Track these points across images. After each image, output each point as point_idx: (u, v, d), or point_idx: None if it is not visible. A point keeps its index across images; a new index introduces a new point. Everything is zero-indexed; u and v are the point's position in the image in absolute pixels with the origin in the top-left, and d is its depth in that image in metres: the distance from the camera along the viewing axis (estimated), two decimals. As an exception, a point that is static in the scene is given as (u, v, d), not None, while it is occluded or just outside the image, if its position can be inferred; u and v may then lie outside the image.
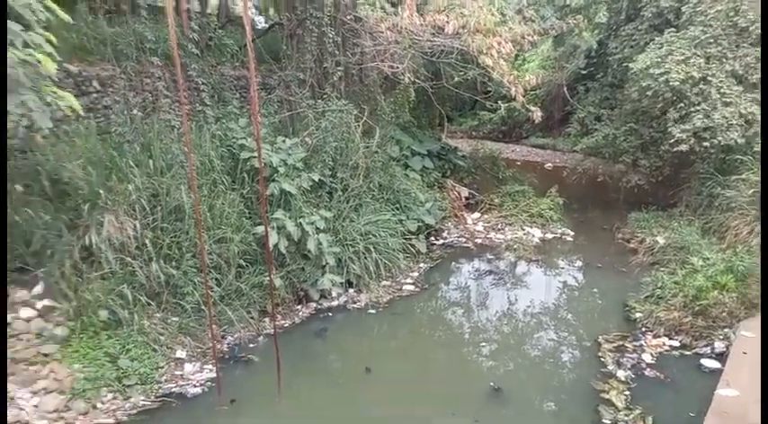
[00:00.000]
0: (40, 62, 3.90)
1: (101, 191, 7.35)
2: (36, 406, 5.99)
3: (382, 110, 11.57)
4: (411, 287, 9.78)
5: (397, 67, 10.48)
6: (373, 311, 8.89)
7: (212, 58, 10.87)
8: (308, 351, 7.70)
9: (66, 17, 4.34)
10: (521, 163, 19.81)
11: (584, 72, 19.61)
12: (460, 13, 10.18)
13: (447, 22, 10.06)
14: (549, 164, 20.23)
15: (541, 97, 21.87)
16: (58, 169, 7.56)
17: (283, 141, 9.34)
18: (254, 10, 15.66)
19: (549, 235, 12.77)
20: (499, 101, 16.22)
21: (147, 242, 7.42)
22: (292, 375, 6.68)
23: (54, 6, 4.19)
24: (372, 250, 9.54)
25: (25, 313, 6.82)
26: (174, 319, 7.40)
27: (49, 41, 4.09)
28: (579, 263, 11.43)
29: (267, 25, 14.56)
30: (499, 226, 13.13)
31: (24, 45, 3.97)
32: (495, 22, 10.13)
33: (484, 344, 8.17)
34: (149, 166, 8.04)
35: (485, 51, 9.82)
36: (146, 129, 8.77)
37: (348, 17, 10.77)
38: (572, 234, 12.83)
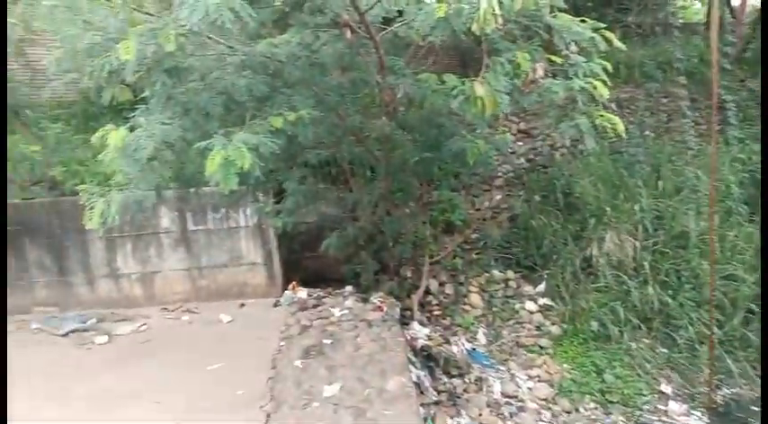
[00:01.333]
0: (595, 88, 4.31)
1: (606, 208, 7.70)
2: (530, 389, 6.83)
3: None
4: None
5: None
6: None
7: (742, 72, 9.64)
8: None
9: (621, 46, 4.64)
10: None
11: None
12: None
13: None
14: None
15: None
16: (571, 184, 8.38)
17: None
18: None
19: None
20: None
21: (645, 264, 7.30)
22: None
23: (612, 37, 4.54)
24: None
25: (530, 306, 7.88)
26: (663, 350, 6.99)
27: (604, 69, 4.48)
28: None
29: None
30: None
31: (584, 74, 4.47)
32: None
33: None
34: (656, 188, 7.90)
35: None
36: (656, 150, 8.65)
37: None
38: None
